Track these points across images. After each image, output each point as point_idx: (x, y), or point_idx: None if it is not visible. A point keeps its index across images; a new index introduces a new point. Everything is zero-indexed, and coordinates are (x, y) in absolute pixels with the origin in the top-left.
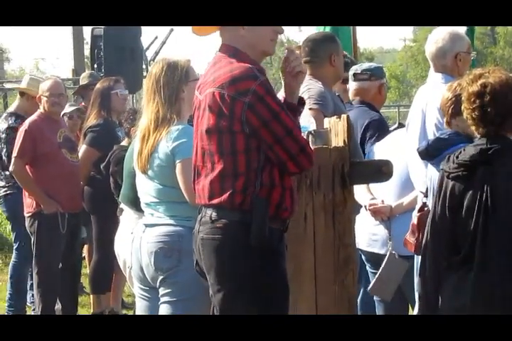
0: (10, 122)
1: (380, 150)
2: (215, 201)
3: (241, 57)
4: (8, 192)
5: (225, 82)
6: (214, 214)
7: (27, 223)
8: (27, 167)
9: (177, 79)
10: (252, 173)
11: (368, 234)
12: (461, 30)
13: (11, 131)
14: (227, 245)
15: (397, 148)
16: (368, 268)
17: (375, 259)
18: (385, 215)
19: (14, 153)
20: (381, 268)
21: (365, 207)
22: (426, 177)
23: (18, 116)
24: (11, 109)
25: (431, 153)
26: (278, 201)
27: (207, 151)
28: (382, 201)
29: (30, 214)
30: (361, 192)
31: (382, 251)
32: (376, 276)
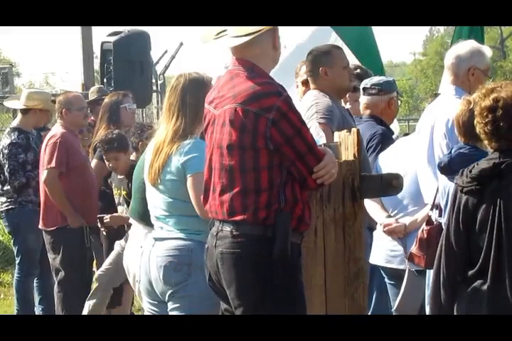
0: (13, 138)
1: (383, 160)
2: (238, 217)
3: (259, 72)
4: (10, 207)
5: (248, 98)
6: (235, 229)
7: (48, 238)
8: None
9: (203, 96)
10: (275, 189)
11: (386, 251)
12: (488, 52)
13: (13, 146)
14: (249, 259)
15: (400, 158)
16: (386, 280)
17: (396, 274)
18: (400, 234)
19: (51, 164)
20: (402, 287)
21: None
22: (438, 190)
23: (21, 132)
24: (14, 124)
25: (454, 168)
26: (299, 215)
27: (226, 167)
28: (397, 220)
29: (53, 228)
30: (375, 210)
31: (401, 267)
32: (399, 296)
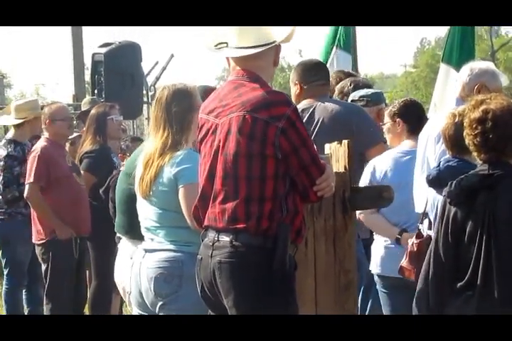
0: (9, 150)
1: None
2: (240, 225)
3: (264, 83)
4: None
5: (258, 106)
6: (234, 239)
7: (38, 250)
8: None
9: (188, 106)
10: (278, 199)
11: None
12: (503, 78)
13: (9, 158)
14: (249, 269)
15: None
16: (379, 287)
17: (388, 281)
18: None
19: (30, 179)
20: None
21: (397, 239)
22: (428, 202)
23: (17, 144)
24: (9, 135)
25: (442, 181)
26: (298, 227)
27: (230, 175)
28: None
29: (43, 241)
30: (385, 227)
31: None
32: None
